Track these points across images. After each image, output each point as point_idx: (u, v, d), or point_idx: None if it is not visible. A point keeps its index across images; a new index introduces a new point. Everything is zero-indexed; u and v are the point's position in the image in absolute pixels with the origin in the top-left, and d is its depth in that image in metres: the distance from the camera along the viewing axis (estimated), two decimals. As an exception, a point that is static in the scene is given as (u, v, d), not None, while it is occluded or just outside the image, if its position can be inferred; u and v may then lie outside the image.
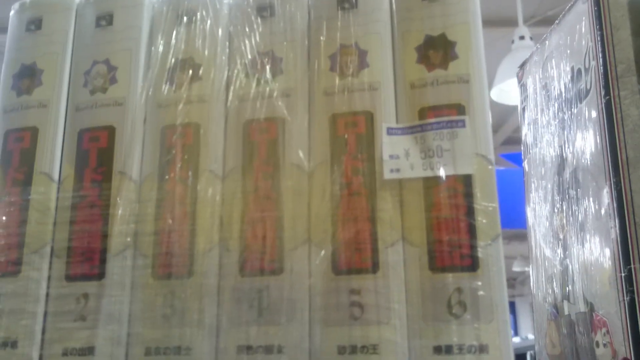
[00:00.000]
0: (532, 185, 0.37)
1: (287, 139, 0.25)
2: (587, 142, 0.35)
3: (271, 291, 0.23)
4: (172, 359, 0.23)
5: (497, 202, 0.23)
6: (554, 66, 0.43)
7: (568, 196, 0.42)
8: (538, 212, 0.34)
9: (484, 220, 0.23)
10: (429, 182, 0.24)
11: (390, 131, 0.25)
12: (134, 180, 0.26)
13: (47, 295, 0.25)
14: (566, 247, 0.36)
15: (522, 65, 0.50)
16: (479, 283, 0.22)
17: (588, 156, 0.36)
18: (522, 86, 0.51)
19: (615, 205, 0.34)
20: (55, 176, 0.27)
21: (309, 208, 0.24)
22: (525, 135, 0.46)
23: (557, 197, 0.41)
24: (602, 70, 0.36)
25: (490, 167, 0.24)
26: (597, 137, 0.33)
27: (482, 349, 0.22)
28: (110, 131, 0.27)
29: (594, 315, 0.36)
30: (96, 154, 0.26)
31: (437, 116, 0.24)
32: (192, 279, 0.24)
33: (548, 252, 0.42)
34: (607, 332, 0.34)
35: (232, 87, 0.27)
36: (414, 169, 0.24)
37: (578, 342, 0.39)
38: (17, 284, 0.25)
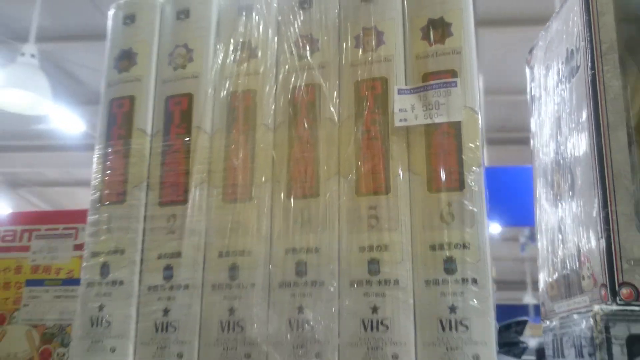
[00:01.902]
0: (537, 161, 0.44)
1: (322, 100, 0.33)
2: (578, 111, 0.43)
3: (311, 209, 0.32)
4: (237, 259, 0.32)
5: (480, 141, 0.31)
6: (553, 49, 0.52)
7: (562, 159, 0.51)
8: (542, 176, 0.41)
9: (470, 155, 0.31)
10: (429, 128, 0.32)
11: (400, 91, 0.32)
12: (207, 133, 0.35)
13: (145, 216, 0.34)
14: (562, 204, 0.44)
15: (531, 51, 0.58)
16: (464, 199, 0.30)
17: (578, 122, 0.44)
18: (531, 69, 0.60)
19: (597, 160, 0.42)
20: (149, 131, 0.36)
21: (338, 150, 0.32)
22: (534, 120, 0.55)
23: (554, 160, 0.49)
24: (589, 50, 0.45)
25: (475, 116, 0.31)
26: (585, 105, 0.42)
27: (464, 246, 0.29)
28: (189, 97, 0.35)
29: (581, 254, 0.44)
30: (179, 114, 0.35)
31: (435, 79, 0.32)
32: (252, 202, 0.33)
33: (549, 210, 0.50)
34: (590, 266, 0.42)
35: (280, 63, 0.35)
36: (417, 118, 0.32)
37: (570, 278, 0.47)
38: (123, 209, 0.34)
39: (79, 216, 0.44)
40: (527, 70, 0.59)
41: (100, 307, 0.33)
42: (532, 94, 0.56)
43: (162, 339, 0.32)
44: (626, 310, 0.37)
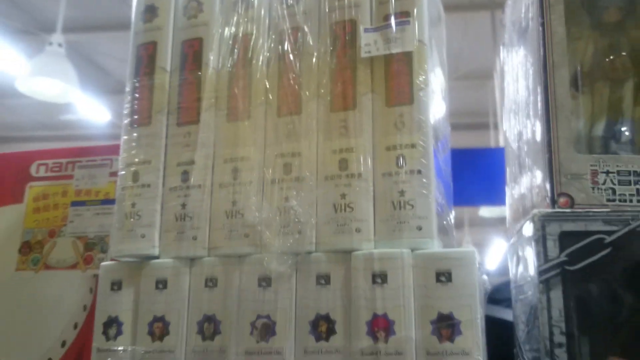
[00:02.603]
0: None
1: (304, 39, 0.42)
2: (532, 55, 0.51)
3: (295, 124, 0.40)
4: (238, 164, 0.41)
5: (427, 70, 0.39)
6: (518, 6, 0.61)
7: (521, 97, 0.60)
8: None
9: (420, 77, 0.39)
10: (388, 57, 0.40)
11: (366, 30, 0.41)
12: (215, 69, 0.43)
13: (166, 135, 0.43)
14: (521, 133, 0.53)
15: (504, 9, 0.66)
16: (413, 111, 0.38)
17: (531, 63, 0.53)
18: (503, 26, 0.68)
19: (542, 95, 0.51)
20: (168, 68, 0.44)
21: (317, 77, 0.41)
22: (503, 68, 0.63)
23: (514, 100, 0.58)
24: (539, 2, 0.53)
25: (425, 47, 0.40)
26: (535, 50, 0.50)
27: (412, 146, 0.38)
28: (200, 41, 0.44)
29: (533, 174, 0.53)
30: (192, 55, 0.44)
31: (394, 19, 0.40)
32: (250, 120, 0.41)
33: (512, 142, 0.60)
34: (538, 182, 0.50)
35: (272, 10, 0.44)
36: (379, 50, 0.40)
37: (525, 198, 0.56)
38: (149, 129, 0.43)
39: (113, 150, 0.53)
40: (502, 27, 0.67)
41: (133, 205, 0.42)
42: (504, 42, 0.64)
43: (181, 227, 0.41)
44: (558, 212, 0.46)
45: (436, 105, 0.40)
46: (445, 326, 0.34)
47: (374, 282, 0.35)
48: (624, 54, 0.56)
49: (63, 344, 0.49)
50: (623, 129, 0.55)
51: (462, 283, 0.34)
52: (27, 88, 3.21)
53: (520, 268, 0.51)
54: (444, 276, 0.35)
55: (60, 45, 2.77)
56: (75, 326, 0.49)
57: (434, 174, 0.38)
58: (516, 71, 0.57)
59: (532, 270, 0.46)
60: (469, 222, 4.32)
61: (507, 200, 0.61)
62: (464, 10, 2.32)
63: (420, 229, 0.36)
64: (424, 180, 0.37)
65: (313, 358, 0.36)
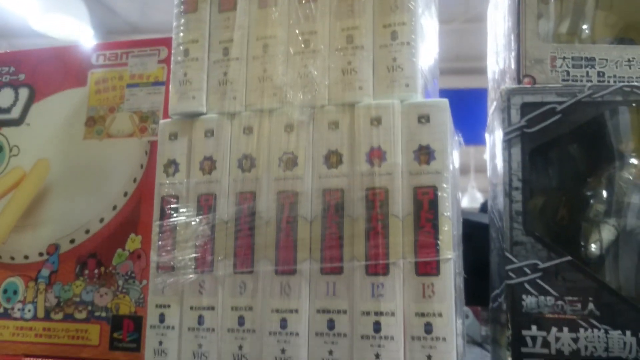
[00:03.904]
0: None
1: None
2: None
3: (312, 8, 0.51)
4: (267, 40, 0.52)
5: (417, -38, 0.50)
6: None
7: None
8: None
9: (410, -30, 0.50)
10: (386, -45, 0.51)
11: None
12: (248, -33, 0.54)
13: (210, 20, 0.54)
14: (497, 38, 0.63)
15: None
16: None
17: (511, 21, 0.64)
18: None
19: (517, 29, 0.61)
20: None
21: None
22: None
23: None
24: None
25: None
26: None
27: (403, 24, 0.49)
28: (236, -56, 0.55)
29: (504, 63, 0.64)
30: (229, -45, 0.55)
31: None
32: (277, 7, 0.52)
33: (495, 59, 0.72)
34: (509, 68, 0.61)
35: None
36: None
37: (499, 84, 0.67)
38: (196, 15, 0.55)
39: (160, 42, 0.65)
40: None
41: (185, 74, 0.54)
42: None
43: (223, 90, 0.53)
44: (521, 87, 0.58)
45: (425, 46, 0.51)
46: (424, 153, 0.46)
47: (371, 124, 0.47)
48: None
49: (125, 194, 0.62)
50: (584, 27, 0.66)
51: (437, 123, 0.46)
52: (41, 25, 3.29)
53: (493, 137, 0.63)
54: (424, 119, 0.47)
55: (70, -18, 2.83)
56: (135, 180, 0.62)
57: (420, 45, 0.49)
58: (501, 5, 0.67)
59: (498, 135, 0.58)
60: (475, 168, 4.41)
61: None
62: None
63: (407, 85, 0.48)
64: (412, 50, 0.48)
65: (326, 181, 0.48)
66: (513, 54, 0.60)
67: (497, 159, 0.59)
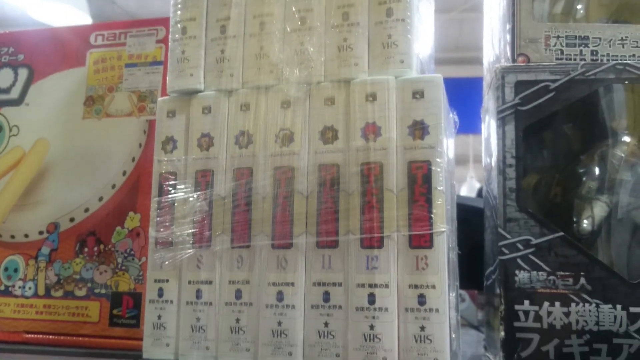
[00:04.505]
0: None
1: None
2: None
3: None
4: (264, 18, 0.53)
5: (412, -61, 0.50)
6: None
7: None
8: None
9: (405, -52, 0.50)
10: None
11: None
12: (244, -55, 0.55)
13: None
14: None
15: None
16: None
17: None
18: None
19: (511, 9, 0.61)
20: None
21: None
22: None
23: None
24: None
25: None
26: None
27: (398, 1, 0.49)
28: None
29: (500, 41, 0.64)
30: None
31: None
32: None
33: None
34: (504, 47, 0.62)
35: None
36: None
37: (494, 69, 0.67)
38: (193, -6, 0.55)
39: (158, 22, 0.65)
40: None
41: (183, 52, 0.54)
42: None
43: (220, 67, 0.53)
44: (515, 65, 0.58)
45: (422, 32, 0.51)
46: (418, 129, 0.47)
47: (366, 100, 0.48)
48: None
49: (124, 173, 0.63)
50: (578, 7, 0.66)
51: (431, 98, 0.47)
52: (40, 14, 3.28)
53: (487, 118, 0.64)
54: (418, 94, 0.47)
55: (68, -31, 2.82)
56: (133, 160, 0.63)
57: (415, 23, 0.49)
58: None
59: (492, 112, 0.58)
60: (474, 158, 4.42)
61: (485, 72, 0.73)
62: None
63: (402, 62, 0.48)
64: (407, 27, 0.49)
65: (321, 156, 0.49)
66: (508, 34, 0.61)
67: (491, 137, 0.60)
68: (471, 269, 0.72)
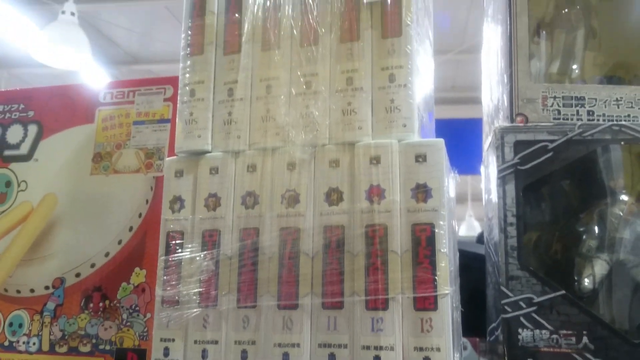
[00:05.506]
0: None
1: (321, -11, 0.55)
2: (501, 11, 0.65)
3: (313, 52, 0.54)
4: (270, 82, 0.54)
5: (412, 12, 0.52)
6: None
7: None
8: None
9: (408, 17, 0.52)
10: (383, 2, 0.53)
11: (368, -18, 0.54)
12: (252, 12, 0.57)
13: (215, 62, 0.57)
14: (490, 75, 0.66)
15: None
16: (402, 41, 0.52)
17: (500, 17, 0.67)
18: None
19: (508, 36, 0.64)
20: (215, 11, 0.58)
21: (330, 16, 0.54)
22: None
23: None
24: None
25: (411, -6, 0.53)
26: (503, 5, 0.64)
27: (400, 67, 0.51)
28: (240, -10, 0.58)
29: (498, 100, 0.67)
30: (234, 1, 0.57)
31: (389, -27, 0.53)
32: (279, 50, 0.55)
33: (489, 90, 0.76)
34: (503, 105, 0.64)
35: None
36: (377, -3, 0.53)
37: (492, 119, 0.69)
38: (201, 58, 0.57)
39: (166, 81, 0.67)
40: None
41: (191, 114, 0.56)
42: (487, 14, 0.78)
43: (228, 129, 0.55)
44: (514, 126, 0.60)
45: (421, 85, 0.53)
46: (421, 191, 0.48)
47: (370, 163, 0.49)
48: (577, 7, 0.70)
49: (130, 229, 0.64)
50: (574, 67, 0.68)
51: (433, 162, 0.48)
52: (42, 56, 3.33)
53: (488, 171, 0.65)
54: (420, 158, 0.49)
55: (72, 14, 2.89)
56: (140, 215, 0.64)
57: (416, 87, 0.51)
58: (494, 44, 0.70)
59: (493, 170, 0.60)
60: (472, 197, 4.44)
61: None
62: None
63: (405, 125, 0.50)
64: (409, 92, 0.51)
65: (326, 218, 0.50)
66: (506, 93, 0.63)
67: (492, 194, 0.61)
68: (473, 317, 0.72)
